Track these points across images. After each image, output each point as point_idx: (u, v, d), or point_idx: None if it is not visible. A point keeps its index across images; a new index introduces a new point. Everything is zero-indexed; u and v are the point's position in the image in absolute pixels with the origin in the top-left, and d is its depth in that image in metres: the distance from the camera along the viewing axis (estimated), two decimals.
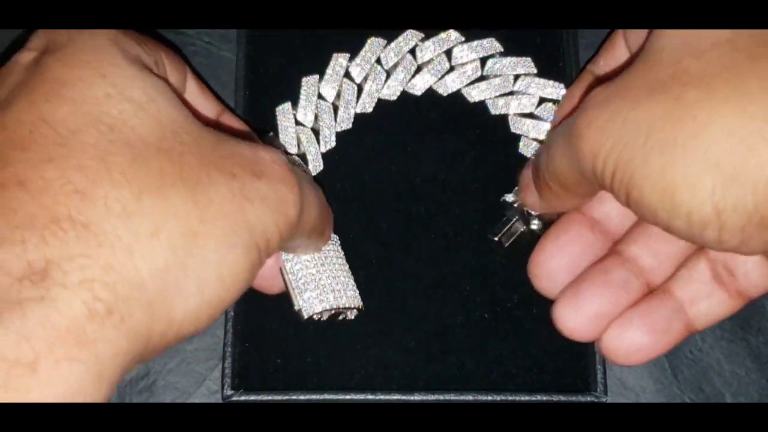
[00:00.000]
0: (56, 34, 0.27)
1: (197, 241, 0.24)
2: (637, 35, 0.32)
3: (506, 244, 0.36)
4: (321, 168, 0.37)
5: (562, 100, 0.36)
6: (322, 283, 0.33)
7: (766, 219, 0.24)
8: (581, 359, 0.35)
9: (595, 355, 0.35)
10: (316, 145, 0.37)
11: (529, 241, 0.35)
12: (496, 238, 0.36)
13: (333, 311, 0.33)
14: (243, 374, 0.35)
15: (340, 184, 0.37)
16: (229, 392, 0.34)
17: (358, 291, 0.34)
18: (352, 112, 0.37)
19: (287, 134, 0.37)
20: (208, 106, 0.33)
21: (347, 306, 0.34)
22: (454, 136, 0.38)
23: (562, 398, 0.34)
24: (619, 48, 0.34)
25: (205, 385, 0.36)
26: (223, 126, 0.34)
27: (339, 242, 0.35)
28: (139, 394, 0.35)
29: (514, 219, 0.36)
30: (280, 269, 0.33)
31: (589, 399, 0.34)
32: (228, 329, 0.35)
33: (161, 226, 0.23)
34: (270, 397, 0.34)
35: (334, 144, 0.37)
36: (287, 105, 0.37)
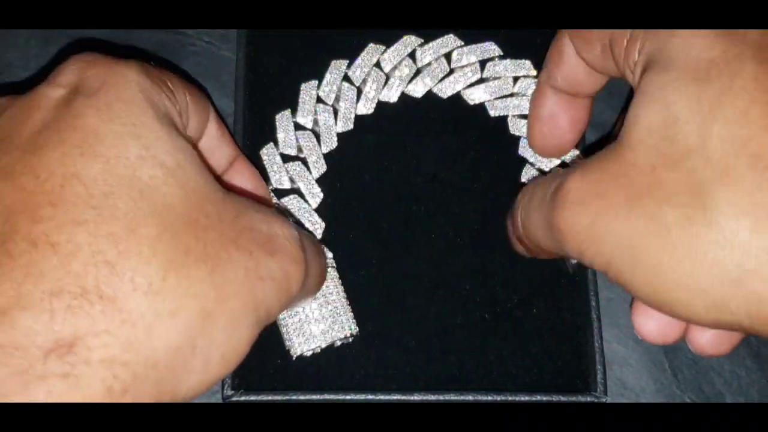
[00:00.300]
0: (89, 74, 0.26)
1: (209, 321, 0.24)
2: (585, 42, 0.32)
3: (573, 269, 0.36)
4: (324, 170, 0.37)
5: (529, 121, 0.36)
6: (310, 321, 0.34)
7: (764, 327, 0.24)
8: (581, 359, 0.35)
9: (595, 355, 0.35)
10: (318, 148, 0.37)
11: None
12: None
13: (322, 348, 0.34)
14: (243, 374, 0.35)
15: (340, 184, 0.37)
16: (229, 392, 0.34)
17: (351, 314, 0.35)
18: (353, 112, 0.37)
19: (288, 139, 0.37)
20: (225, 150, 0.33)
21: (337, 338, 0.34)
22: (454, 137, 0.38)
23: (562, 398, 0.34)
24: (569, 57, 0.33)
25: None
26: (234, 187, 0.33)
27: (334, 264, 0.35)
28: None
29: None
30: None
31: (589, 399, 0.34)
32: None
33: (181, 307, 0.23)
34: (270, 397, 0.34)
35: (335, 144, 0.37)
36: (287, 112, 0.37)
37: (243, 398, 0.34)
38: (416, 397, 0.34)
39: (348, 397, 0.34)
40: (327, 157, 0.37)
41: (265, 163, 0.37)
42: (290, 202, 0.36)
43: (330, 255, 0.35)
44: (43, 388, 0.21)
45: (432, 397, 0.34)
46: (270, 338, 0.35)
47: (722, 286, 0.24)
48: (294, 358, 0.34)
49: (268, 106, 0.38)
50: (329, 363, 0.35)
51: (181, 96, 0.28)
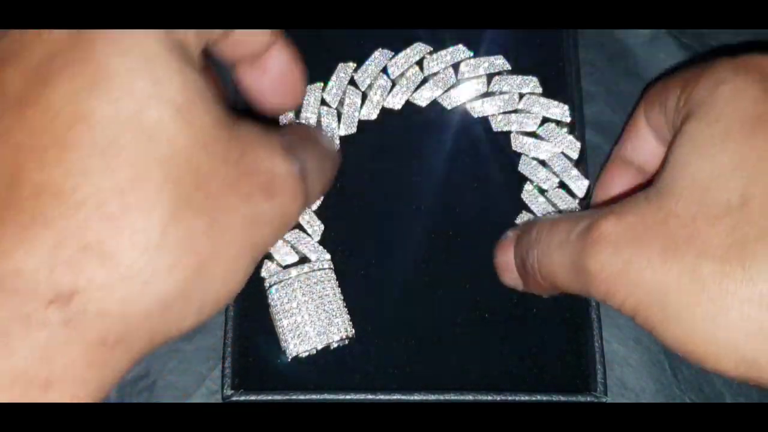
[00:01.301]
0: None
1: (205, 272, 0.24)
2: (658, 118, 0.32)
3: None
4: None
5: (595, 190, 0.36)
6: (305, 323, 0.34)
7: None
8: (581, 359, 0.35)
9: (595, 354, 0.35)
10: None
11: None
12: None
13: (317, 350, 0.34)
14: (243, 374, 0.35)
15: (340, 185, 0.37)
16: (229, 392, 0.34)
17: (348, 316, 0.35)
18: (356, 116, 0.37)
19: None
20: (259, 37, 0.31)
21: (333, 340, 0.34)
22: (456, 144, 0.38)
23: (562, 398, 0.34)
24: (642, 129, 0.34)
25: (205, 385, 0.36)
26: (268, 71, 0.32)
27: (331, 264, 0.35)
28: (138, 394, 0.35)
29: None
30: (268, 305, 0.34)
31: (589, 399, 0.34)
32: (228, 329, 0.35)
33: (178, 262, 0.24)
34: (270, 397, 0.34)
35: (338, 147, 0.37)
36: (290, 114, 0.37)
37: (243, 398, 0.34)
38: (416, 397, 0.34)
39: (348, 397, 0.34)
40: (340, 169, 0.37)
41: None
42: None
43: (328, 257, 0.35)
44: (43, 333, 0.22)
45: (432, 397, 0.34)
46: (270, 338, 0.35)
47: (754, 344, 0.24)
48: (290, 359, 0.34)
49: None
50: (329, 363, 0.35)
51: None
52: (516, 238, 0.33)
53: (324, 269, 0.35)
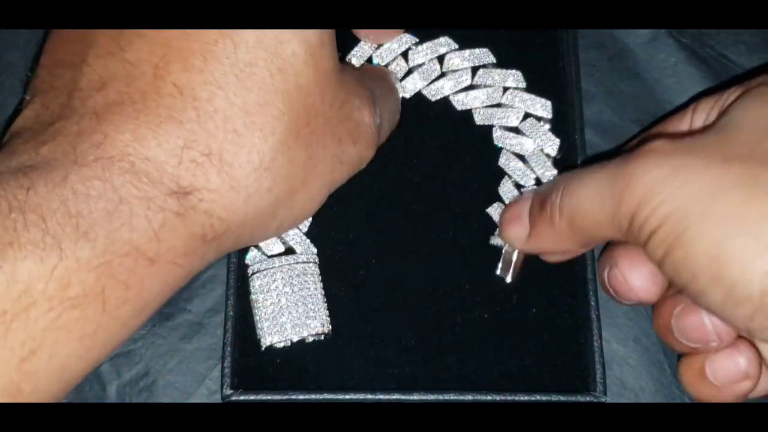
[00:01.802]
0: None
1: (294, 196, 0.28)
2: (709, 104, 0.31)
3: (510, 279, 0.36)
4: None
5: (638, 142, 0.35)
6: (282, 314, 0.34)
7: None
8: (581, 359, 0.35)
9: (595, 354, 0.35)
10: None
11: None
12: (505, 278, 0.36)
13: (292, 342, 0.34)
14: (243, 374, 0.35)
15: None
16: (229, 392, 0.34)
17: (327, 312, 0.34)
18: None
19: None
20: None
21: (309, 334, 0.34)
22: (453, 137, 0.38)
23: (562, 398, 0.34)
24: (686, 115, 0.33)
25: (205, 384, 0.36)
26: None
27: (317, 259, 0.35)
28: (138, 393, 0.35)
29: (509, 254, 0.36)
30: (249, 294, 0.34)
31: (588, 399, 0.34)
32: (228, 329, 0.35)
33: (277, 184, 0.27)
34: (270, 397, 0.34)
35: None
36: None
37: (242, 398, 0.34)
38: (416, 397, 0.34)
39: (347, 397, 0.34)
40: None
41: None
42: None
43: (314, 251, 0.35)
44: (159, 216, 0.24)
45: (431, 397, 0.34)
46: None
47: None
48: (263, 348, 0.34)
49: None
50: (329, 363, 0.35)
51: None
52: (531, 197, 0.33)
53: (307, 262, 0.35)
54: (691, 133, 0.31)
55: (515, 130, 0.38)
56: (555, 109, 0.37)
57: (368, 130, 0.31)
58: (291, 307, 0.34)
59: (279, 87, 0.26)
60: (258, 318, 0.34)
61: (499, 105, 0.38)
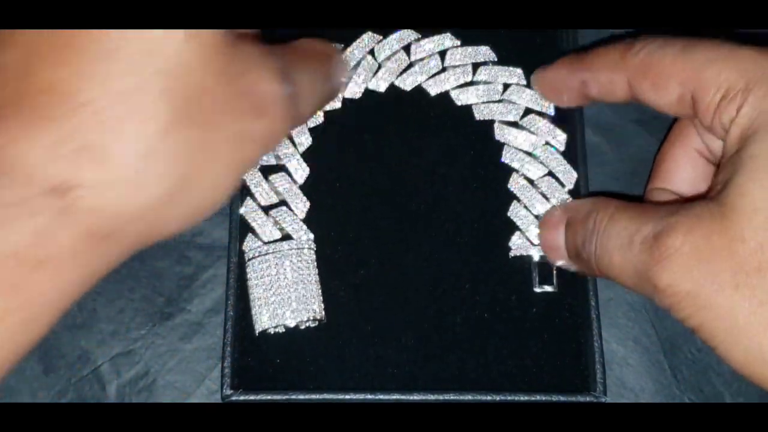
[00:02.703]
0: None
1: (193, 182, 0.26)
2: (654, 84, 0.32)
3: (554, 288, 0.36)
4: (310, 143, 0.37)
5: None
6: (277, 299, 0.34)
7: None
8: (581, 359, 0.35)
9: (595, 354, 0.35)
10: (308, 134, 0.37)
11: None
12: (549, 288, 0.36)
13: (287, 328, 0.34)
14: (243, 374, 0.35)
15: (338, 184, 0.37)
16: (229, 392, 0.34)
17: (321, 298, 0.35)
18: (341, 94, 0.38)
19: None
20: None
21: (302, 320, 0.34)
22: (453, 133, 0.38)
23: (562, 398, 0.34)
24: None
25: (205, 384, 0.36)
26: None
27: (314, 246, 0.35)
28: (138, 393, 0.35)
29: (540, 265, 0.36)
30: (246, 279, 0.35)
31: (588, 399, 0.34)
32: (228, 329, 0.35)
33: (170, 170, 0.25)
34: (269, 397, 0.34)
35: (321, 120, 0.37)
36: None
37: (242, 398, 0.34)
38: (416, 397, 0.34)
39: (347, 397, 0.34)
40: (323, 155, 0.37)
41: None
42: (277, 180, 0.36)
43: (311, 237, 0.35)
44: (39, 218, 0.23)
45: (431, 397, 0.34)
46: (270, 338, 0.35)
47: None
48: (257, 333, 0.34)
49: None
50: (329, 363, 0.35)
51: None
52: (566, 219, 0.34)
53: (303, 248, 0.35)
54: (704, 196, 0.31)
55: (516, 126, 0.38)
56: (555, 108, 0.37)
57: (276, 102, 0.28)
58: (285, 292, 0.34)
59: (157, 68, 0.25)
60: (253, 303, 0.34)
61: (500, 101, 0.38)
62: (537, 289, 0.36)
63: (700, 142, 0.34)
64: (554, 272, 0.36)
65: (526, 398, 0.34)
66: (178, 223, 0.27)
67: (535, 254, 0.36)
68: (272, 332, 0.34)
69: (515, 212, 0.36)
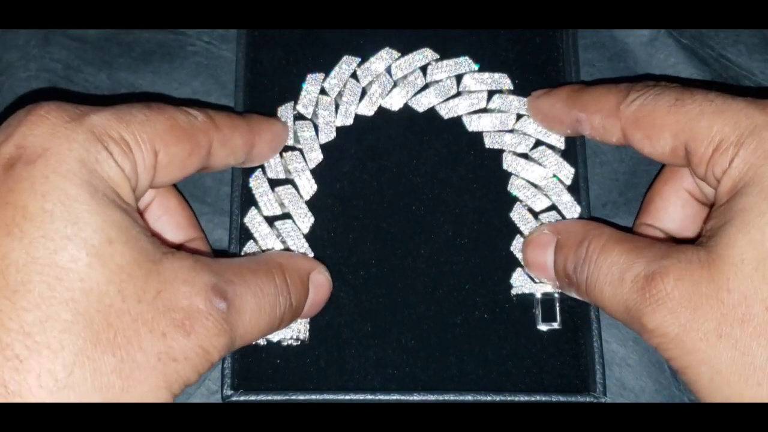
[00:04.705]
0: (35, 134, 0.26)
1: (124, 399, 0.25)
2: (648, 135, 0.32)
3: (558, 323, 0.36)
4: (320, 159, 0.37)
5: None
6: None
7: None
8: (581, 359, 0.35)
9: (595, 355, 0.35)
10: (316, 138, 0.37)
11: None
12: (554, 325, 0.36)
13: (269, 342, 0.35)
14: (243, 374, 0.35)
15: (339, 185, 0.37)
16: (229, 392, 0.34)
17: (308, 320, 0.35)
18: (353, 110, 0.38)
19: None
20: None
21: (285, 338, 0.35)
22: (454, 138, 0.38)
23: (562, 398, 0.34)
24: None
25: (205, 385, 0.36)
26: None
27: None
28: None
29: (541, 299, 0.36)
30: None
31: (588, 399, 0.34)
32: None
33: (90, 396, 0.24)
34: (270, 397, 0.34)
35: (333, 136, 0.37)
36: (289, 104, 0.37)
37: (243, 398, 0.34)
38: (416, 397, 0.34)
39: (347, 397, 0.34)
40: (325, 156, 0.37)
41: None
42: (283, 192, 0.36)
43: (310, 255, 0.36)
44: None
45: (431, 397, 0.34)
46: (269, 338, 0.35)
47: None
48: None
49: (267, 106, 0.38)
50: (329, 363, 0.35)
51: (146, 151, 0.28)
52: (556, 241, 0.34)
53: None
54: (692, 241, 0.31)
55: (525, 157, 0.37)
56: (565, 141, 0.37)
57: (207, 318, 0.27)
58: None
59: (62, 297, 0.24)
60: None
61: (511, 131, 0.38)
62: (541, 327, 0.36)
63: (691, 182, 0.34)
64: (557, 308, 0.36)
65: (526, 398, 0.34)
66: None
67: (537, 292, 0.36)
68: (257, 343, 0.34)
69: (517, 214, 0.36)
